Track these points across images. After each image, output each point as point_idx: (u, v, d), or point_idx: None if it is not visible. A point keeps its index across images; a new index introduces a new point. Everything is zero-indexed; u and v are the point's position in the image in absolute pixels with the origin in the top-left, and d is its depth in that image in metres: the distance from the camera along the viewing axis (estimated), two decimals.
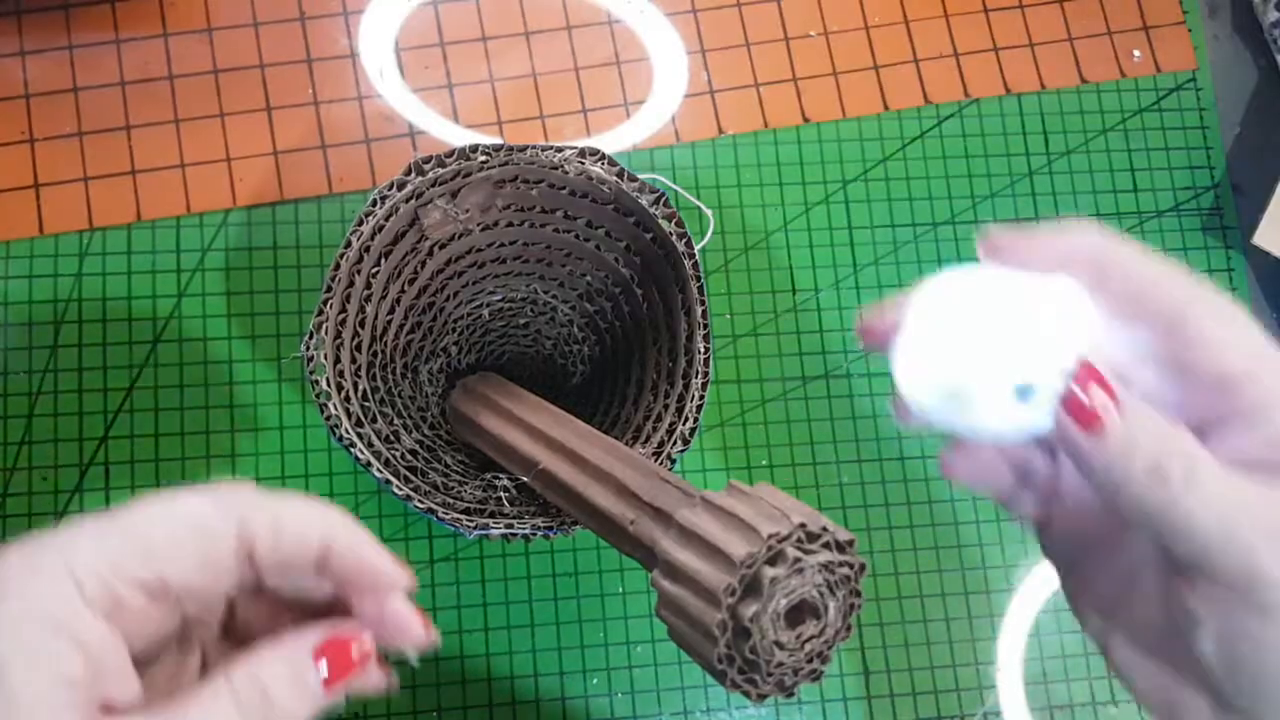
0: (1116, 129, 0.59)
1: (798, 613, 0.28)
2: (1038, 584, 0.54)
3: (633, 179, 0.42)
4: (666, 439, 0.41)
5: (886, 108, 0.58)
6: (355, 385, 0.41)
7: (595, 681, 0.51)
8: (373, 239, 0.40)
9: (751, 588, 0.28)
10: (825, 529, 0.28)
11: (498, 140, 0.55)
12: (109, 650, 0.22)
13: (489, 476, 0.43)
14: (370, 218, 0.40)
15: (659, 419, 0.42)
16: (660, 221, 0.42)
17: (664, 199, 0.42)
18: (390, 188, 0.40)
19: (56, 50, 0.54)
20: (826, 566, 0.28)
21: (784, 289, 0.55)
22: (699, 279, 0.42)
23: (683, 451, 0.41)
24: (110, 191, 0.53)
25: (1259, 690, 0.23)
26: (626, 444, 0.40)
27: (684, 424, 0.41)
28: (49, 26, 0.54)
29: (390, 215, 0.41)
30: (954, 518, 0.54)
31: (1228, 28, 0.61)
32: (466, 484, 0.43)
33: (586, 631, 0.51)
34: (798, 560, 0.28)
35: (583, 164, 0.42)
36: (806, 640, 0.28)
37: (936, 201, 0.57)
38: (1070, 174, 0.58)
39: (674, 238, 0.42)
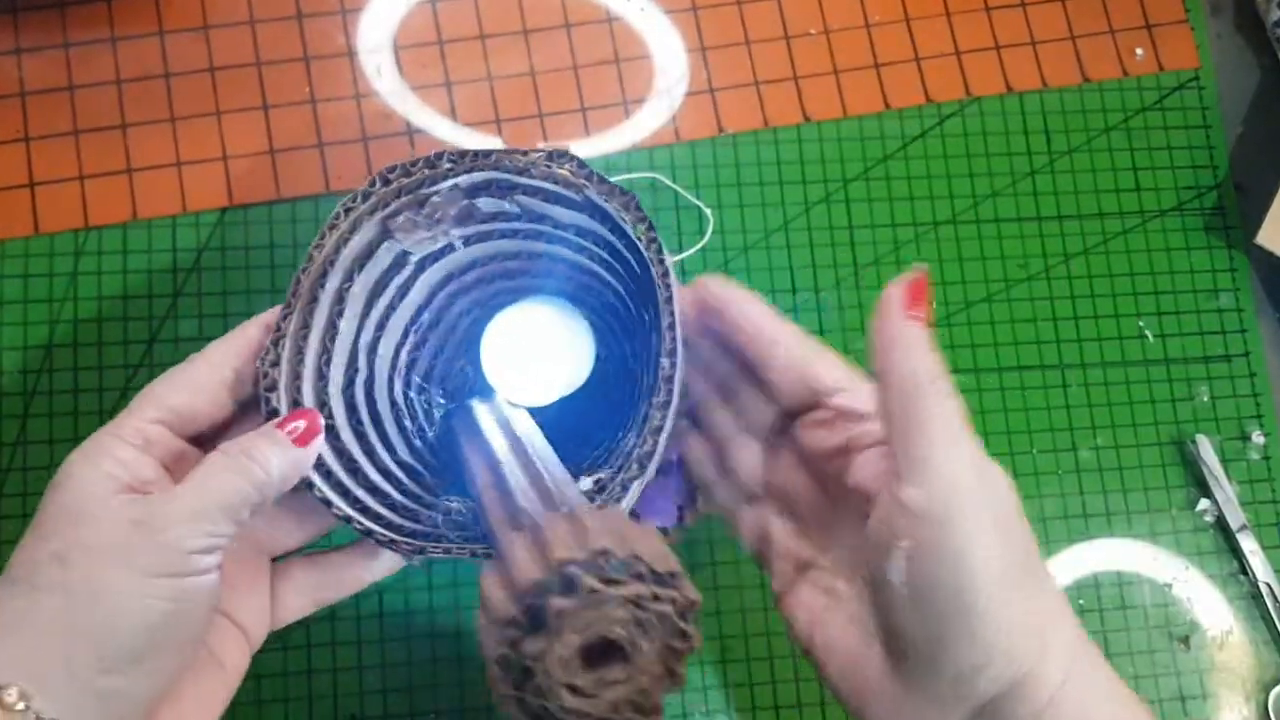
0: (1119, 128, 0.58)
1: (604, 654, 0.24)
2: None
3: (603, 182, 0.39)
4: (627, 461, 0.37)
5: (887, 106, 0.57)
6: (322, 404, 0.40)
7: None
8: (337, 253, 0.39)
9: (539, 620, 0.24)
10: (638, 557, 0.24)
11: (495, 141, 0.55)
12: (141, 462, 0.33)
13: (448, 499, 0.42)
14: (334, 230, 0.38)
15: (628, 440, 0.39)
16: (629, 227, 0.38)
17: (634, 202, 0.39)
18: (355, 199, 0.39)
19: (52, 48, 0.54)
20: (635, 601, 0.24)
21: (784, 289, 0.55)
22: (668, 288, 0.37)
23: (637, 478, 0.37)
24: (106, 190, 0.53)
25: (937, 607, 0.28)
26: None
27: (641, 446, 0.37)
28: (44, 24, 0.54)
29: (355, 228, 0.39)
30: None
31: (1230, 26, 0.61)
32: (437, 506, 0.42)
33: None
34: (595, 592, 0.24)
35: (550, 167, 0.39)
36: (609, 685, 0.24)
37: (938, 201, 0.57)
38: (1072, 173, 0.58)
39: (643, 244, 0.38)
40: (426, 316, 0.46)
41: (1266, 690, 0.53)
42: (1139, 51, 0.59)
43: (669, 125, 0.56)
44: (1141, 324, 0.56)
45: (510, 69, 0.56)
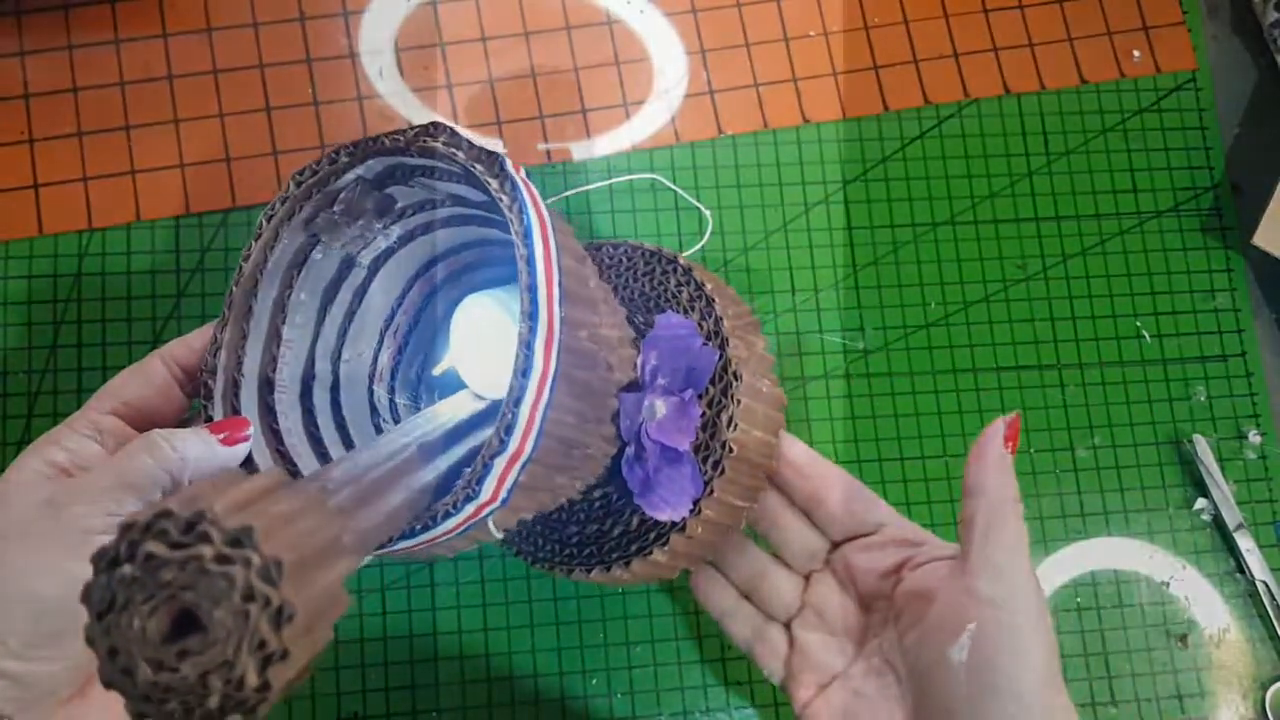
0: (1116, 129, 0.59)
1: (191, 625, 0.23)
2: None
3: (472, 147, 0.36)
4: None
5: (886, 108, 0.58)
6: (268, 409, 0.40)
7: (594, 682, 0.51)
8: (265, 261, 0.39)
9: (115, 593, 0.23)
10: (203, 515, 0.23)
11: (496, 143, 0.55)
12: (86, 447, 0.34)
13: None
14: (259, 239, 0.39)
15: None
16: (493, 189, 0.35)
17: (500, 161, 0.35)
18: (273, 206, 0.39)
19: (56, 50, 0.54)
20: (199, 564, 0.22)
21: (784, 289, 0.55)
22: (526, 247, 0.33)
23: (497, 453, 0.33)
24: (110, 191, 0.53)
25: (989, 684, 0.33)
26: None
27: (501, 418, 0.33)
28: (49, 27, 0.54)
29: (278, 235, 0.39)
30: (953, 518, 0.54)
31: (1227, 28, 0.61)
32: None
33: (585, 632, 0.51)
34: (151, 557, 0.23)
35: (425, 141, 0.37)
36: (188, 658, 0.22)
37: (936, 201, 0.57)
38: (1070, 174, 0.58)
39: (504, 204, 0.34)
40: (403, 319, 0.46)
41: (1264, 688, 0.53)
42: (1136, 53, 0.59)
43: (669, 127, 0.56)
44: (1139, 324, 0.57)
45: (511, 71, 0.56)
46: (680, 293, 0.43)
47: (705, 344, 0.41)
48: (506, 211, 0.34)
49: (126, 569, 0.23)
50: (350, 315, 0.44)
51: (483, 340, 0.42)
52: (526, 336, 0.33)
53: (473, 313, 0.43)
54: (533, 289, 0.33)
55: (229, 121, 0.54)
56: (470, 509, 0.33)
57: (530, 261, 0.33)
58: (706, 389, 0.40)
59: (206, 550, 0.22)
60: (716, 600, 0.44)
